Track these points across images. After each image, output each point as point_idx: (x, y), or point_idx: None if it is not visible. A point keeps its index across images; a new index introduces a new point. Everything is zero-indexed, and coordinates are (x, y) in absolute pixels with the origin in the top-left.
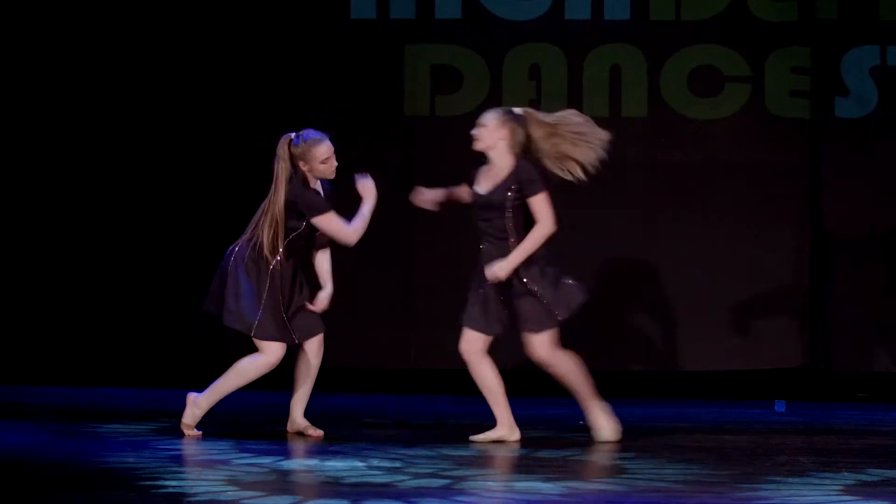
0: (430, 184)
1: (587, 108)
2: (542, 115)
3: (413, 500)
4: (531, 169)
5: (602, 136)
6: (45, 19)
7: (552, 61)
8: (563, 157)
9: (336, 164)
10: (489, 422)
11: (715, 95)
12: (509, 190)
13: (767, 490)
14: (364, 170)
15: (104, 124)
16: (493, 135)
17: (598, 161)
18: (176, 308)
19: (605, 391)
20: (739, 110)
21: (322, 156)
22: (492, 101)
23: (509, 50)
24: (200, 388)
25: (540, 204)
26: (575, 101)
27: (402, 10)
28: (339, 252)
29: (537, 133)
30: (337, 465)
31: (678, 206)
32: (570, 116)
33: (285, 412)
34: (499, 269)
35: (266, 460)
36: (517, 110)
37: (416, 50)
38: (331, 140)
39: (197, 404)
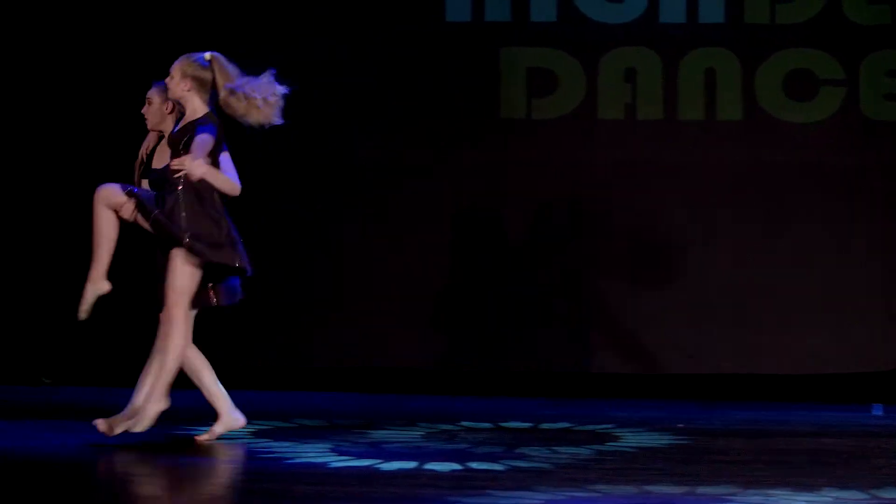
0: (526, 186)
1: (682, 112)
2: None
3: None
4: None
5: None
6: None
7: (647, 64)
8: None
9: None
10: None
11: (810, 99)
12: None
13: (864, 494)
14: (458, 171)
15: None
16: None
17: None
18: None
19: (698, 394)
20: (834, 114)
21: None
22: (587, 105)
23: (604, 53)
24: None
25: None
26: (670, 105)
27: (498, 12)
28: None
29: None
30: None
31: (772, 208)
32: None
33: (374, 413)
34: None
35: (364, 462)
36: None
37: (512, 53)
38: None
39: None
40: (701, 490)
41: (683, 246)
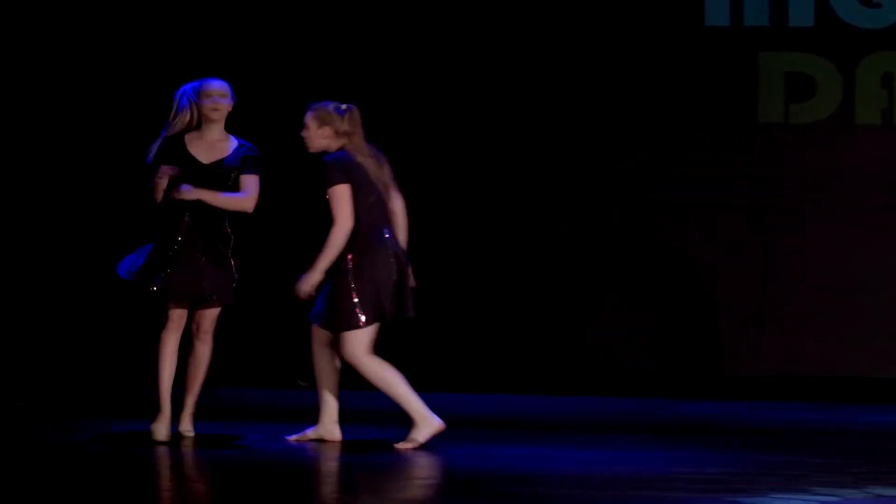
0: (785, 190)
1: None
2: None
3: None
4: (332, 161)
5: None
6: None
7: None
8: None
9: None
10: None
11: None
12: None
13: None
14: (717, 175)
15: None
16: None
17: None
18: None
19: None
20: None
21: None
22: (844, 109)
23: (862, 58)
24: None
25: (330, 201)
26: None
27: (756, 17)
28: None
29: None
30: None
31: None
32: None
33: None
34: (303, 285)
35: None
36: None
37: (770, 57)
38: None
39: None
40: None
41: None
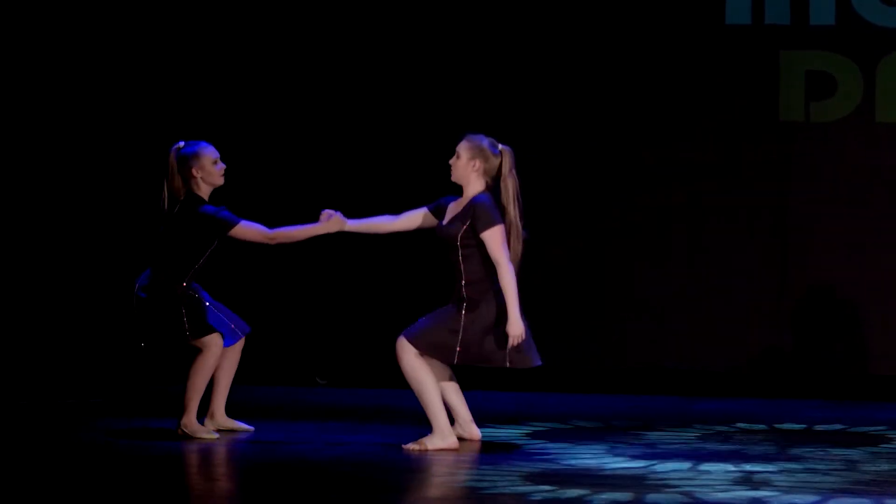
0: (806, 188)
1: None
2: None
3: None
4: (487, 202)
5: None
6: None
7: None
8: None
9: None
10: None
11: None
12: (464, 223)
13: None
14: (738, 173)
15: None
16: (465, 165)
17: None
18: None
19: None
20: None
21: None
22: (865, 108)
23: (883, 57)
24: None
25: (489, 240)
26: None
27: (777, 15)
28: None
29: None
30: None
31: None
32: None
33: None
34: (512, 335)
35: (639, 463)
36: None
37: (791, 56)
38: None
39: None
40: None
41: None
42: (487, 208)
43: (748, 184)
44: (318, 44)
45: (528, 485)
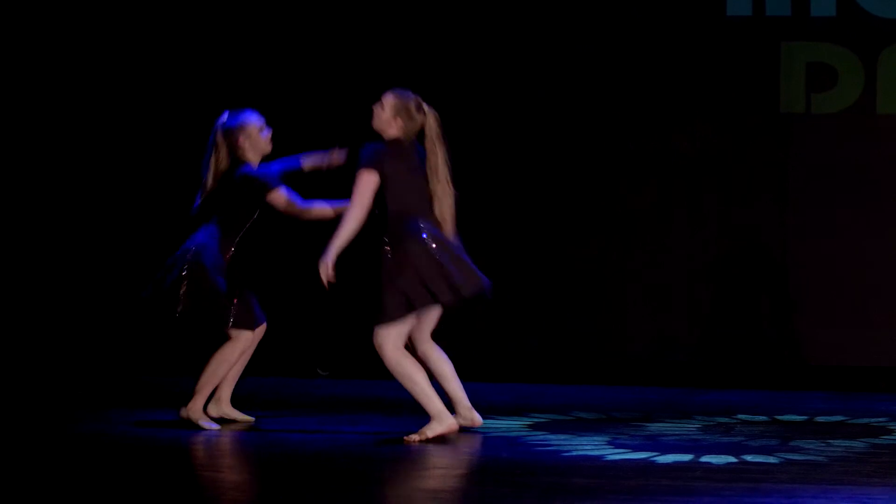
0: (806, 180)
1: None
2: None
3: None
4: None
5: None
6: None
7: None
8: None
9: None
10: None
11: None
12: None
13: None
14: (739, 165)
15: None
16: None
17: None
18: None
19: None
20: None
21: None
22: (866, 99)
23: (884, 48)
24: None
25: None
26: None
27: (778, 7)
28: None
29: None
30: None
31: None
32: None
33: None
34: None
35: (641, 455)
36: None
37: (792, 47)
38: None
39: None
40: None
41: None
42: (371, 153)
43: (749, 175)
44: (319, 44)
45: (528, 476)
